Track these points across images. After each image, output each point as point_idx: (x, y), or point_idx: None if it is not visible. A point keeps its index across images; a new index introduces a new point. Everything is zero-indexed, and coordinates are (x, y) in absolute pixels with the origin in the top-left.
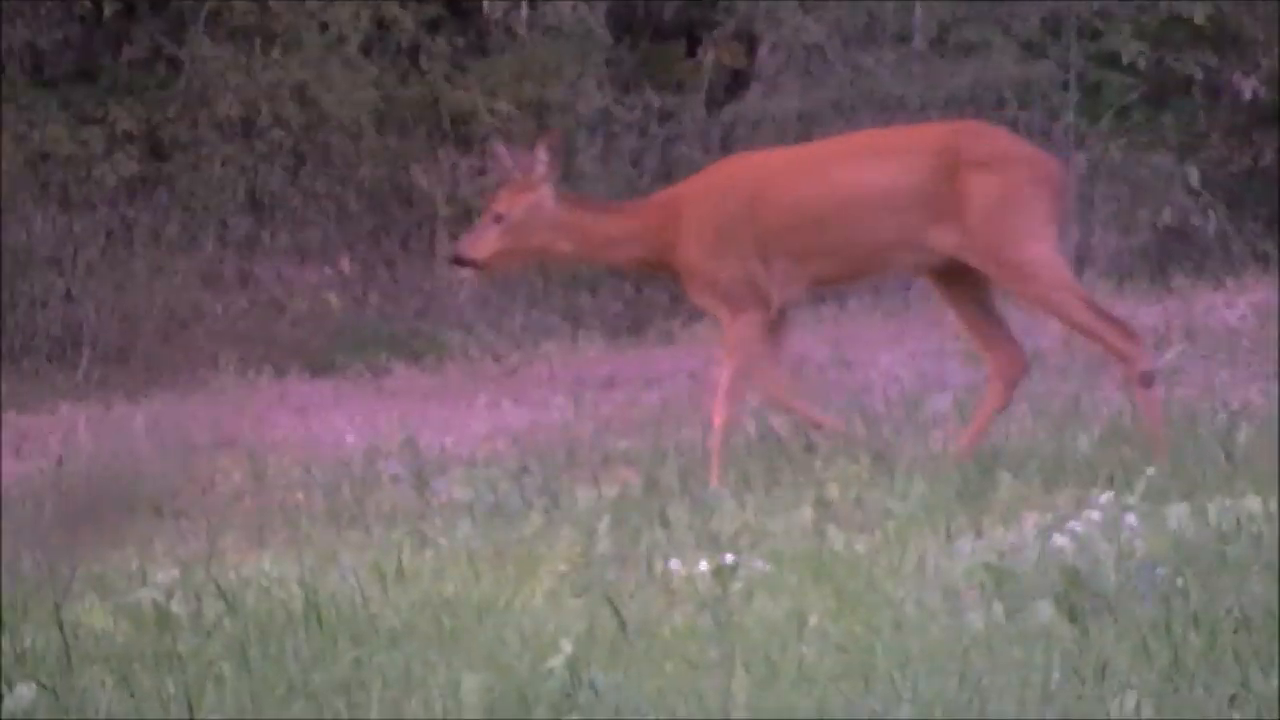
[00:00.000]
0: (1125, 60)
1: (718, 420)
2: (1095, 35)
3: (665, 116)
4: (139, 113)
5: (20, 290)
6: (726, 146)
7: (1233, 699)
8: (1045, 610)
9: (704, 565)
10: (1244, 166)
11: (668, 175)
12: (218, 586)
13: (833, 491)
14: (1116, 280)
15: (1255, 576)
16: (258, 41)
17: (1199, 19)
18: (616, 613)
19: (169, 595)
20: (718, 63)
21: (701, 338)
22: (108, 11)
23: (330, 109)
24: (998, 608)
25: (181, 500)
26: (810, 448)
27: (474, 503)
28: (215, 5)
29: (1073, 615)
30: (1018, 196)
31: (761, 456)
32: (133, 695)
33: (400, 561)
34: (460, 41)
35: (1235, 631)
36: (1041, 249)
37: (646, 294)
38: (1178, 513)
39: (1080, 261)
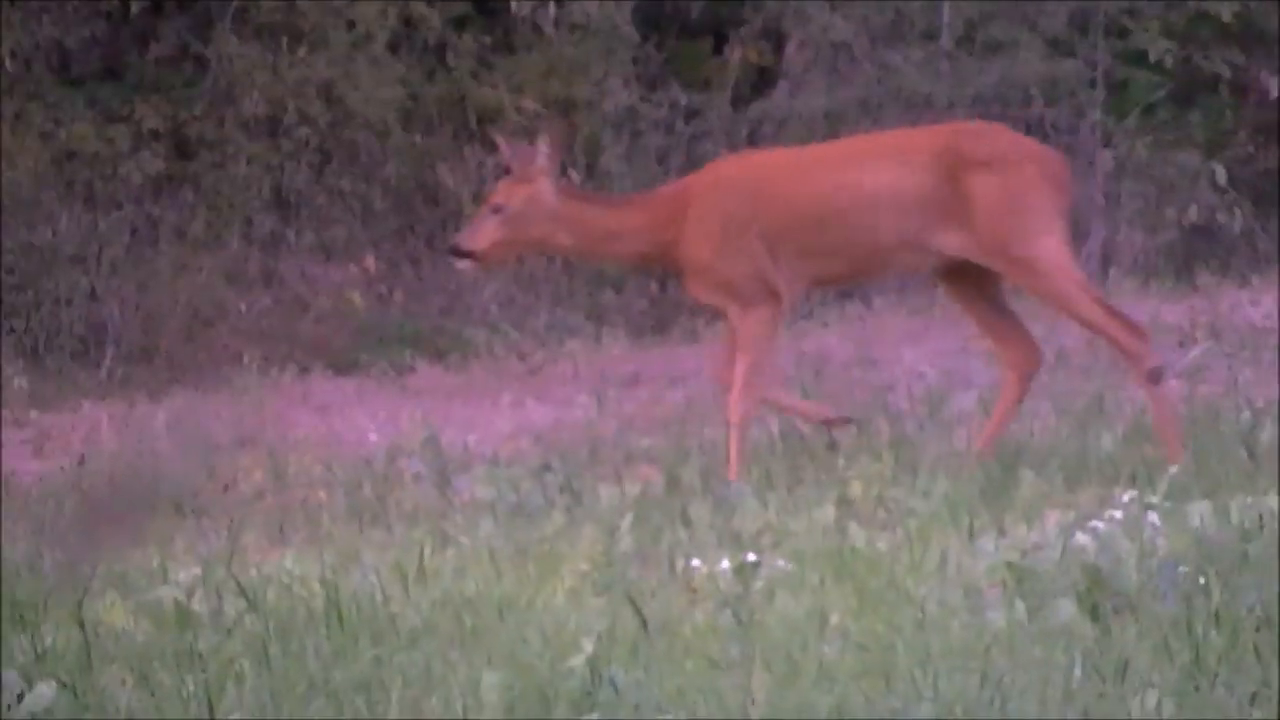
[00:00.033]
0: (1152, 58)
1: (734, 417)
2: (1122, 33)
3: (691, 114)
4: (165, 111)
5: (44, 288)
6: (753, 144)
7: (1254, 697)
8: (1067, 608)
9: (725, 564)
10: (1270, 164)
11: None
12: (238, 585)
13: (855, 490)
14: (1142, 278)
15: (1277, 575)
16: (284, 39)
17: (1226, 17)
18: (637, 611)
19: (190, 593)
20: (744, 60)
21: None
22: (134, 9)
23: (356, 107)
24: (1019, 606)
25: (203, 498)
26: (833, 446)
27: (496, 501)
28: (242, 3)
29: (1094, 613)
30: (1022, 194)
31: (784, 455)
32: (153, 694)
33: (422, 560)
34: (487, 39)
35: (1257, 630)
36: (1050, 244)
37: (671, 293)
38: (1200, 511)
39: (1106, 259)
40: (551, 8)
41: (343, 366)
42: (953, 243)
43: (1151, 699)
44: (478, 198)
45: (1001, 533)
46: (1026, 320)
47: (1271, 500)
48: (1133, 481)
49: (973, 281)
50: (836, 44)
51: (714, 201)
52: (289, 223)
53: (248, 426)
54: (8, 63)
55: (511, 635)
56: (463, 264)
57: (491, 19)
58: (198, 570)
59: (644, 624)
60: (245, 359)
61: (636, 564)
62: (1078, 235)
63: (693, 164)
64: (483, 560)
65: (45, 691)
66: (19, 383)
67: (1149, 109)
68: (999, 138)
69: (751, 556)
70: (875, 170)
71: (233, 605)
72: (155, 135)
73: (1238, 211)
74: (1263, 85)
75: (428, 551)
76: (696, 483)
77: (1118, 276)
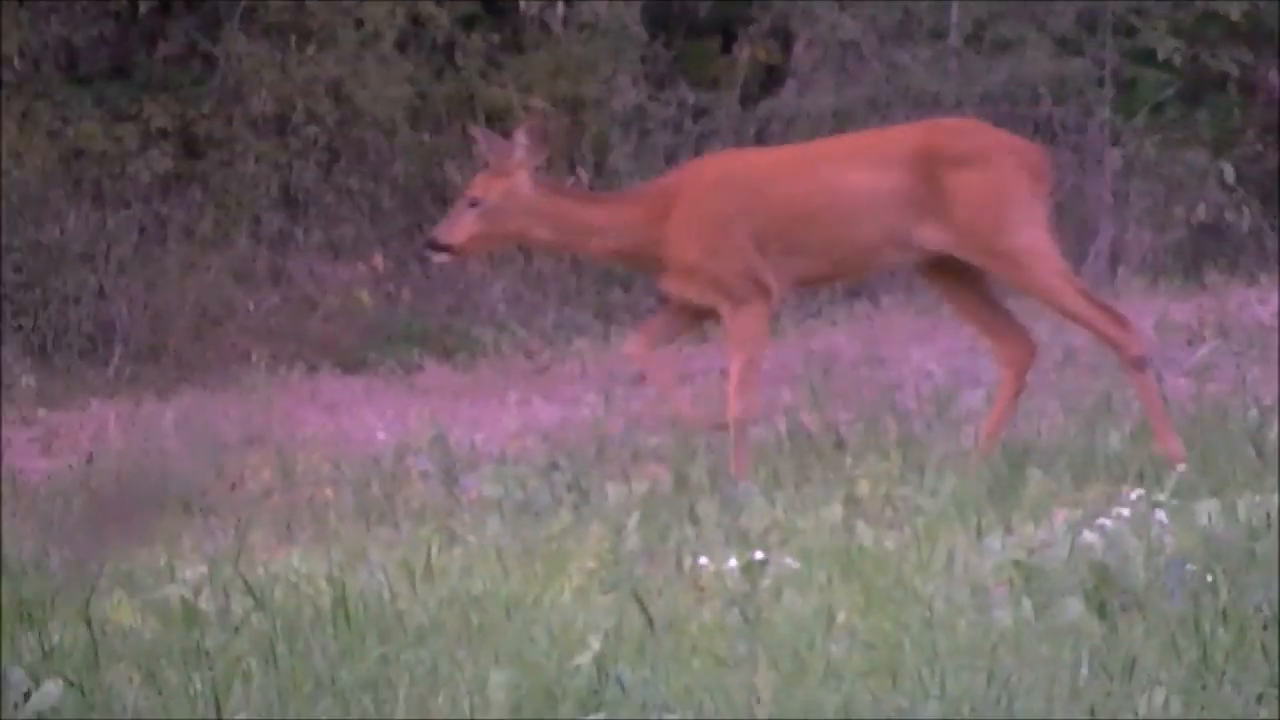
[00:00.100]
0: (1161, 57)
1: (733, 415)
2: (1131, 32)
3: (700, 113)
4: (173, 109)
5: (52, 287)
6: (761, 143)
7: (1261, 696)
8: (1074, 607)
9: (733, 562)
10: (1278, 163)
11: None
12: (246, 583)
13: (863, 488)
14: (1150, 276)
15: None
16: (292, 38)
17: (1235, 16)
18: (644, 610)
19: (197, 591)
20: (753, 59)
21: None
22: (143, 8)
23: (365, 106)
24: (1027, 604)
25: (210, 497)
26: (840, 444)
27: (503, 500)
28: (250, 2)
29: (1102, 612)
30: (1001, 188)
31: (791, 453)
32: (160, 692)
33: (429, 558)
34: (495, 38)
35: (1264, 628)
36: (1031, 235)
37: None
38: (1207, 509)
39: (1114, 258)
40: (560, 7)
41: (351, 365)
42: (934, 238)
43: (1159, 697)
44: None
45: (1009, 531)
46: (1030, 319)
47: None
48: (1140, 480)
49: (959, 278)
50: (845, 43)
51: (701, 200)
52: (297, 221)
53: (256, 425)
54: (16, 61)
55: (518, 633)
56: (440, 257)
57: (500, 18)
58: (205, 568)
59: (650, 622)
60: (253, 357)
61: (643, 562)
62: (1086, 234)
63: None
64: (490, 558)
65: (52, 690)
66: (27, 381)
67: (1157, 108)
68: (976, 133)
69: (759, 555)
70: (854, 169)
71: (240, 603)
72: (163, 134)
73: (1246, 210)
74: (1271, 84)
75: (435, 550)
76: (704, 481)
77: (1126, 275)
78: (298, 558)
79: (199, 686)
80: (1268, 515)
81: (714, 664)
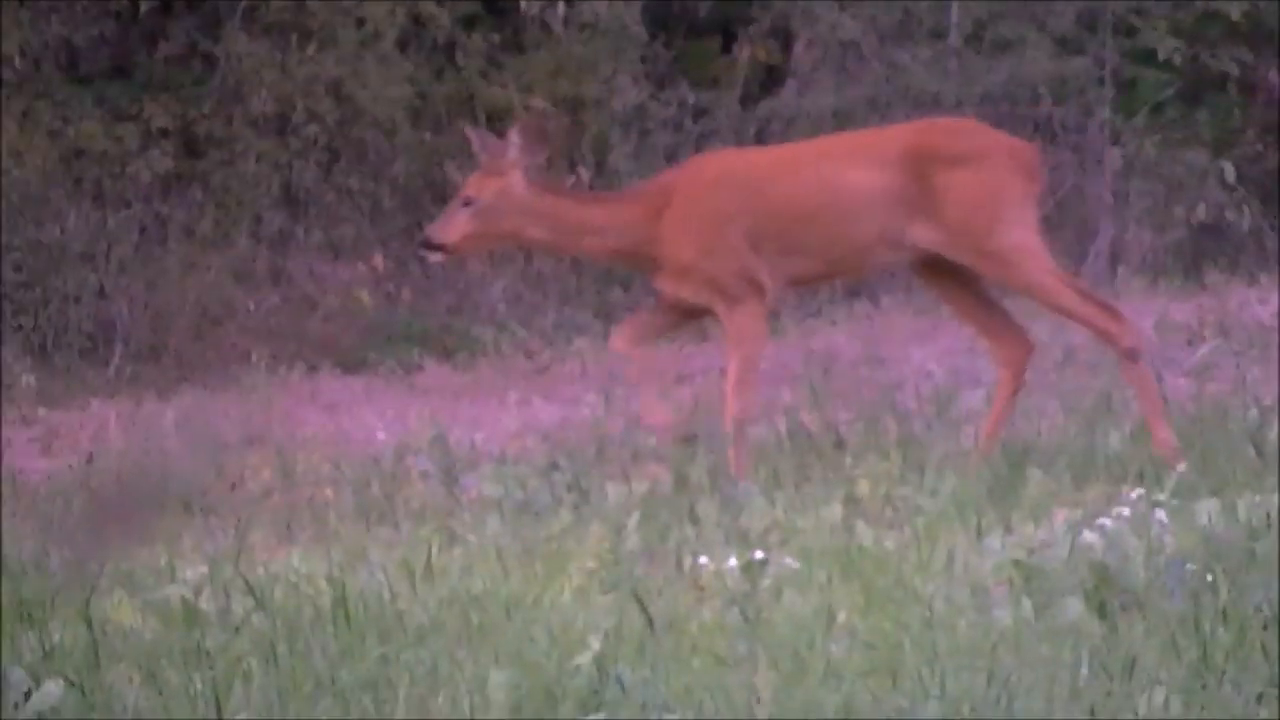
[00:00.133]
0: (1161, 56)
1: (732, 414)
2: (1131, 32)
3: (700, 113)
4: (174, 109)
5: (53, 286)
6: (762, 143)
7: (1261, 696)
8: (1074, 606)
9: (733, 562)
10: (1278, 163)
11: None
12: (246, 583)
13: (863, 488)
14: (1150, 276)
15: None
16: (293, 38)
17: (1235, 16)
18: (644, 609)
19: (197, 591)
20: (753, 59)
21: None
22: (143, 8)
23: (365, 105)
24: (1026, 604)
25: (211, 497)
26: (840, 444)
27: (503, 499)
28: (251, 2)
29: (1102, 611)
30: (994, 188)
31: (791, 453)
32: (160, 692)
33: (429, 558)
34: (496, 38)
35: (1264, 628)
36: (1022, 235)
37: None
38: (1207, 509)
39: (1114, 258)
40: (560, 7)
41: (351, 365)
42: (926, 238)
43: (1159, 697)
44: None
45: (1009, 531)
46: (1029, 319)
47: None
48: (1140, 479)
49: (955, 278)
50: (845, 43)
51: (696, 199)
52: (297, 221)
53: (256, 425)
54: (16, 61)
55: (518, 633)
56: (434, 257)
57: (500, 18)
58: (205, 568)
59: (650, 622)
60: (253, 357)
61: (644, 562)
62: (1086, 233)
63: None
64: (490, 558)
65: (53, 689)
66: (27, 380)
67: (1157, 107)
68: (970, 133)
69: (759, 554)
70: (849, 169)
71: (240, 603)
72: (164, 133)
73: (1246, 210)
74: (1271, 84)
75: (435, 550)
76: (704, 481)
77: (1126, 275)
78: (298, 558)
79: (199, 686)
80: (1268, 515)
81: (714, 664)
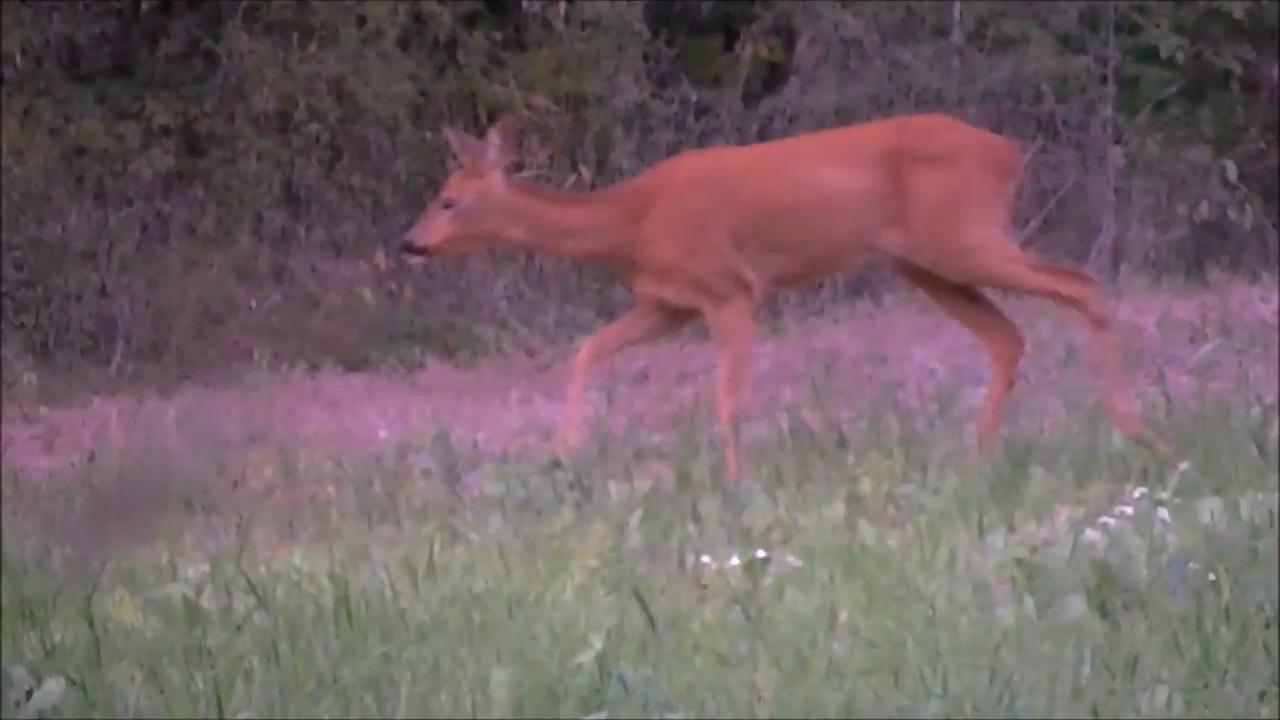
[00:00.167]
0: (1163, 54)
1: (725, 414)
2: (1133, 29)
3: (702, 111)
4: (175, 107)
5: (54, 284)
6: (764, 140)
7: (1263, 694)
8: (1076, 605)
9: (735, 560)
10: None
11: None
12: (248, 581)
13: (865, 486)
14: (1153, 274)
15: None
16: (295, 36)
17: (1237, 13)
18: (646, 608)
19: (199, 590)
20: (755, 57)
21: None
22: (144, 6)
23: (366, 103)
24: (1029, 602)
25: (212, 495)
26: (842, 442)
27: (505, 498)
28: (252, 0)
29: (1104, 610)
30: (962, 188)
31: (793, 451)
32: (162, 690)
33: (431, 556)
34: (497, 36)
35: (1266, 627)
36: (982, 232)
37: None
38: (1210, 507)
39: (1116, 255)
40: (562, 5)
41: (353, 363)
42: (896, 242)
43: (1161, 695)
44: None
45: (1011, 529)
46: (1032, 318)
47: None
48: (1143, 478)
49: (935, 275)
50: (847, 40)
51: (677, 200)
52: (299, 219)
53: (258, 423)
54: (18, 59)
55: (520, 632)
56: (415, 260)
57: (502, 16)
58: (207, 567)
59: (652, 621)
60: (255, 355)
61: (646, 560)
62: (1088, 231)
63: None
64: (492, 557)
65: (54, 688)
66: (29, 379)
67: (1160, 105)
68: (944, 131)
69: (761, 553)
70: (827, 168)
71: (242, 602)
72: (165, 131)
73: (1248, 208)
74: (1273, 81)
75: (437, 548)
76: (706, 479)
77: (1128, 273)
78: (300, 556)
79: (201, 685)
80: (1270, 513)
81: (716, 662)
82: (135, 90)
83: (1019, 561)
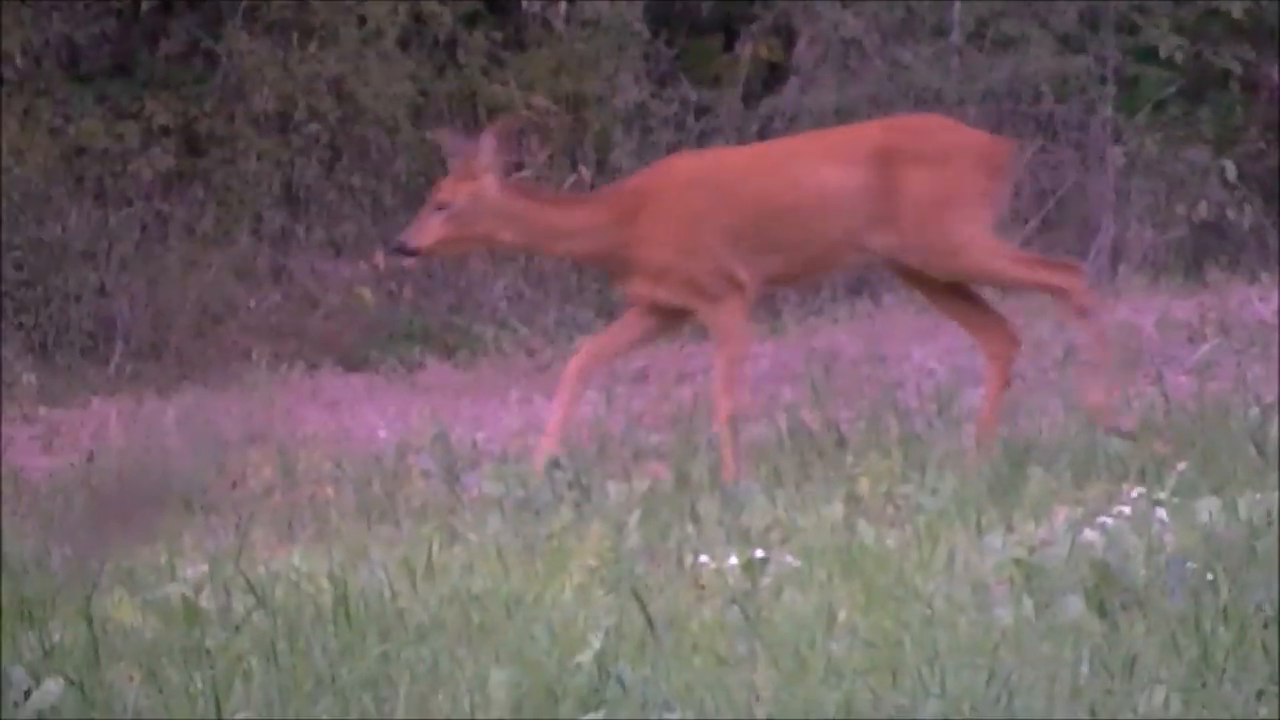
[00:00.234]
0: (1163, 54)
1: (723, 414)
2: (1133, 30)
3: (702, 111)
4: (175, 107)
5: (54, 284)
6: (764, 140)
7: (1261, 694)
8: (1075, 605)
9: (733, 560)
10: None
11: None
12: (247, 581)
13: (864, 486)
14: (1152, 274)
15: None
16: (294, 36)
17: (1237, 13)
18: (644, 608)
19: (198, 590)
20: (755, 57)
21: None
22: (144, 6)
23: (366, 103)
24: (1027, 603)
25: (212, 495)
26: (841, 442)
27: (504, 497)
28: (252, 0)
29: (1102, 610)
30: (951, 187)
31: (792, 451)
32: (160, 690)
33: (430, 556)
34: (497, 36)
35: (1265, 627)
36: (969, 231)
37: None
38: (1208, 507)
39: (1115, 255)
40: (562, 5)
41: (352, 363)
42: (885, 243)
43: (1159, 695)
44: None
45: (1010, 529)
46: (1032, 317)
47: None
48: (1141, 478)
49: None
50: (847, 40)
51: (670, 200)
52: (299, 219)
53: (257, 423)
54: (17, 59)
55: (519, 631)
56: (407, 262)
57: (502, 15)
58: (206, 567)
59: (651, 621)
60: (254, 355)
61: (644, 560)
62: (1087, 231)
63: None
64: (491, 557)
65: (53, 688)
66: (28, 378)
67: (1159, 105)
68: (935, 131)
69: (759, 553)
70: (822, 167)
71: (241, 602)
72: (165, 131)
73: (1248, 208)
74: (1273, 81)
75: (436, 548)
76: (705, 479)
77: (1127, 273)
78: (299, 556)
79: (200, 685)
80: (1268, 513)
81: (715, 662)
82: (135, 90)
83: (1017, 561)
